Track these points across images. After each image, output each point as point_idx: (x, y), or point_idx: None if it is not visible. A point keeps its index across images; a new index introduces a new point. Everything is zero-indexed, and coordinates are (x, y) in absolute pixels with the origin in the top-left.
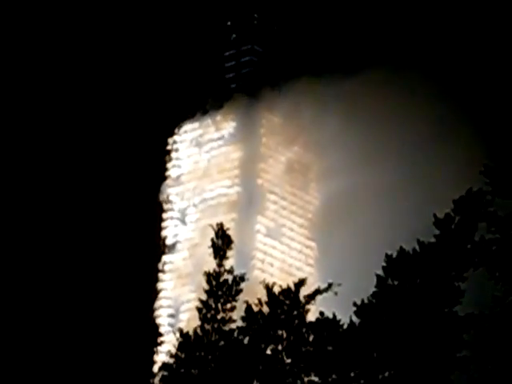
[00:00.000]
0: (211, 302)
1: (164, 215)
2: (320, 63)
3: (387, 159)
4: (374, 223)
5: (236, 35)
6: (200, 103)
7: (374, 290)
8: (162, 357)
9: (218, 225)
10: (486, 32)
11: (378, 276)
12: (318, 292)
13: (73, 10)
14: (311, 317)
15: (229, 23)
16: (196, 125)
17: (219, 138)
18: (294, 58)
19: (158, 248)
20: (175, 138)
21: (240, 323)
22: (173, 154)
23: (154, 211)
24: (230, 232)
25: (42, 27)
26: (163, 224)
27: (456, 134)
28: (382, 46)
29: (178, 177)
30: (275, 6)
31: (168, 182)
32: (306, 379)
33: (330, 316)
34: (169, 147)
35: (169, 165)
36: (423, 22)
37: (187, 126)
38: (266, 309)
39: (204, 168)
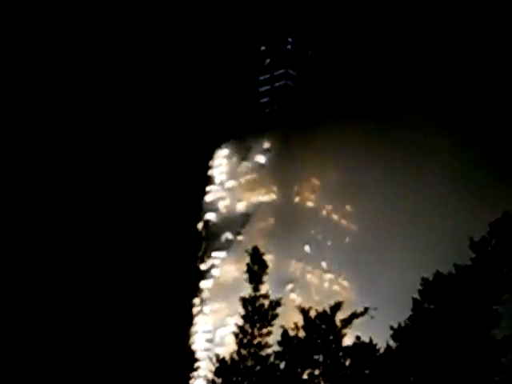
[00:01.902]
0: (247, 327)
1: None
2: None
3: (423, 184)
4: (410, 247)
5: (270, 60)
6: (235, 128)
7: (411, 313)
8: (198, 382)
9: (253, 249)
10: None
11: (414, 299)
12: (354, 316)
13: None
14: (348, 341)
15: (263, 48)
16: (231, 150)
17: (253, 164)
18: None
19: (196, 272)
20: (212, 163)
21: (276, 348)
22: (211, 180)
23: (190, 234)
24: (266, 257)
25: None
26: (201, 252)
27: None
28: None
29: (215, 202)
30: (310, 30)
31: (205, 206)
32: None
33: (367, 340)
34: (208, 172)
35: (208, 189)
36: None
37: (222, 151)
38: (302, 333)
39: (240, 193)
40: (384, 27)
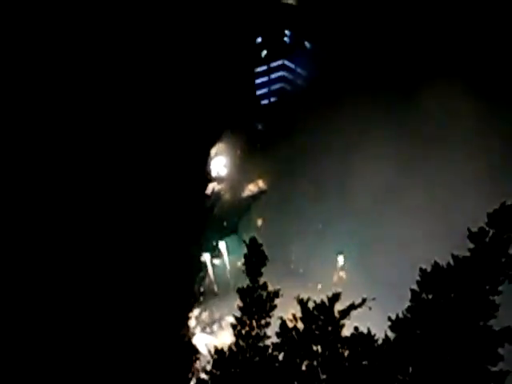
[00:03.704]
0: (245, 318)
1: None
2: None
3: (443, 163)
4: (409, 237)
5: (267, 51)
6: (230, 121)
7: (409, 304)
8: (197, 375)
9: (250, 240)
10: None
11: (412, 290)
12: (352, 307)
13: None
14: (346, 332)
15: (259, 39)
16: (224, 143)
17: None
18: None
19: (195, 264)
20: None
21: (275, 339)
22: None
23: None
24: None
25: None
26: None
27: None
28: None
29: (216, 193)
30: (307, 21)
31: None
32: None
33: (365, 331)
34: (207, 166)
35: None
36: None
37: (220, 144)
38: (300, 324)
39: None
40: None
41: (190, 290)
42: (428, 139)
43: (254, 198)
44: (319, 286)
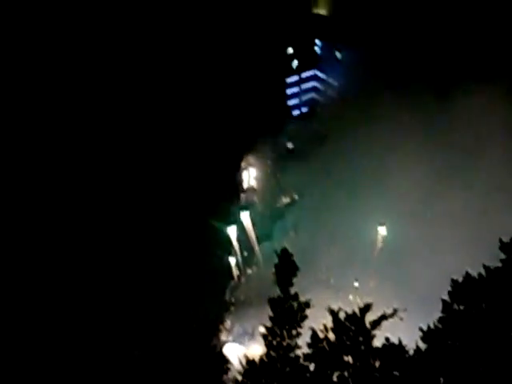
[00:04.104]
0: (276, 328)
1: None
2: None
3: (477, 172)
4: (441, 247)
5: (298, 62)
6: (262, 131)
7: (441, 315)
8: None
9: (282, 251)
10: None
11: (443, 301)
12: (383, 318)
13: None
14: (377, 342)
15: (291, 50)
16: (255, 155)
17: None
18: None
19: (226, 272)
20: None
21: (306, 350)
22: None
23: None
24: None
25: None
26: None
27: None
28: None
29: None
30: (338, 31)
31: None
32: None
33: (396, 342)
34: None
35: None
36: None
37: (251, 154)
38: (331, 335)
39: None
40: None
41: (222, 299)
42: (466, 148)
43: (287, 207)
44: (350, 297)
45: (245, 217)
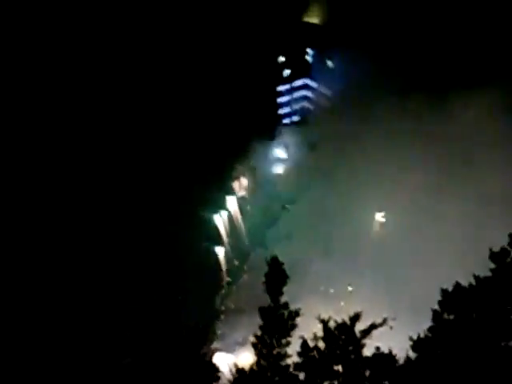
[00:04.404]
0: (267, 337)
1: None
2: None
3: (473, 181)
4: (430, 259)
5: (290, 70)
6: (250, 139)
7: (431, 324)
8: None
9: (272, 259)
10: None
11: (434, 311)
12: (373, 327)
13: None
14: (367, 352)
15: (282, 58)
16: (252, 161)
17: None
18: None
19: (217, 280)
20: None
21: (296, 358)
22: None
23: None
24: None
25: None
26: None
27: None
28: None
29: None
30: (330, 40)
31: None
32: None
33: (386, 351)
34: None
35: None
36: None
37: (244, 163)
38: (321, 344)
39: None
40: None
41: (212, 306)
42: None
43: (280, 214)
44: (342, 303)
45: (231, 203)
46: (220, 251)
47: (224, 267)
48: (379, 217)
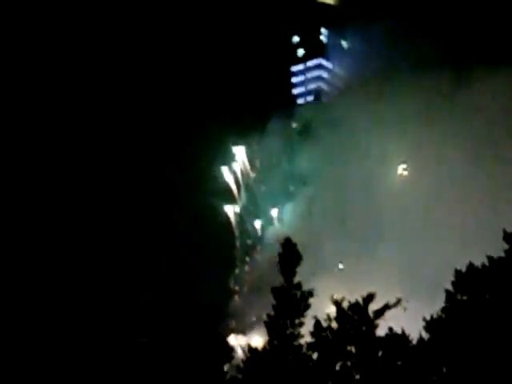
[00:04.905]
0: (279, 317)
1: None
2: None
3: (497, 159)
4: (445, 238)
5: (305, 50)
6: (265, 118)
7: (444, 305)
8: (230, 372)
9: (285, 240)
10: None
11: (447, 291)
12: (386, 307)
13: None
14: (380, 332)
15: (297, 38)
16: (258, 140)
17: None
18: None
19: (230, 261)
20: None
21: (309, 338)
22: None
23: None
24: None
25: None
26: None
27: None
28: None
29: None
30: (343, 19)
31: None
32: None
33: (399, 331)
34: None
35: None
36: None
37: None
38: (334, 324)
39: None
40: None
41: (226, 286)
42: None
43: (298, 189)
44: (355, 283)
45: (239, 152)
46: (230, 210)
47: (236, 231)
48: (401, 169)
